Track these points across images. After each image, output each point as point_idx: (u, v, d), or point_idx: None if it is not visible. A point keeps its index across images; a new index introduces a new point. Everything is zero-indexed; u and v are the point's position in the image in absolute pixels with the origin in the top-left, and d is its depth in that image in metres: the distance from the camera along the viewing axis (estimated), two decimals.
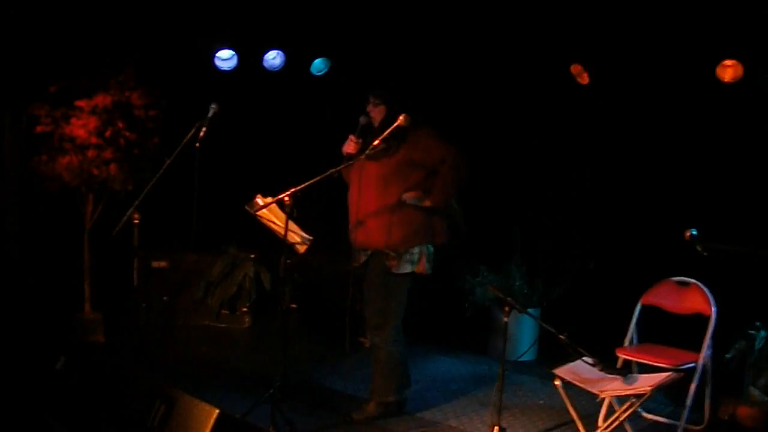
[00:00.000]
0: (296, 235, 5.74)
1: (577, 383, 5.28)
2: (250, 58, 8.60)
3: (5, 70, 7.66)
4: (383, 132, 5.64)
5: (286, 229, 5.48)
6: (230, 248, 8.41)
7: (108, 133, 7.27)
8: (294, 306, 8.36)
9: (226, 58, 8.59)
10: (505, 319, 5.54)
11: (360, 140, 5.80)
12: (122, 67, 7.38)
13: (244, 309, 8.39)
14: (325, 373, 7.11)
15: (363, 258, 5.95)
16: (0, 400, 5.88)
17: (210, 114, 5.97)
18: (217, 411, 4.51)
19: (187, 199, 7.68)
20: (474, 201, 6.51)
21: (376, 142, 5.54)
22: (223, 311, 8.38)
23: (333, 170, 5.49)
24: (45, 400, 5.83)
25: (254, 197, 5.71)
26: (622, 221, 7.77)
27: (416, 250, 5.80)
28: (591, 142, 7.93)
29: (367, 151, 5.55)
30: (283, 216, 5.59)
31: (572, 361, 5.46)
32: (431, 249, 5.89)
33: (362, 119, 5.86)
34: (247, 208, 5.64)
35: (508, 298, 5.53)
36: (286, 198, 5.40)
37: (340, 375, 7.00)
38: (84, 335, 7.59)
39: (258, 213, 5.61)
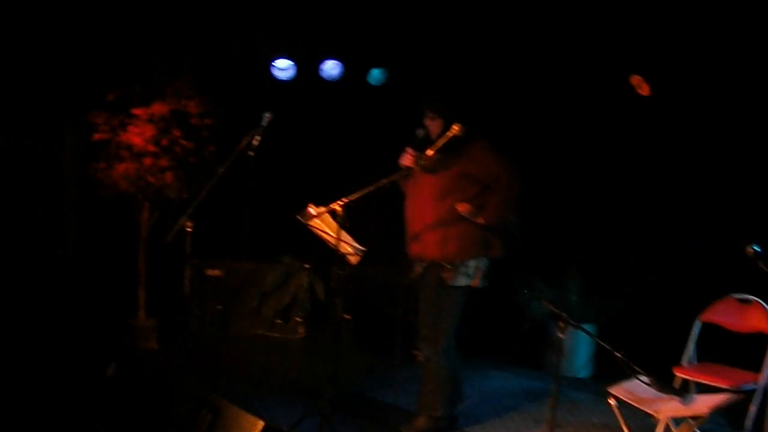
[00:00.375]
0: (349, 246, 5.65)
1: (633, 403, 5.10)
2: (308, 67, 8.56)
3: (67, 78, 7.73)
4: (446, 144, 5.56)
5: (338, 239, 5.39)
6: (285, 258, 8.36)
7: (164, 142, 7.26)
8: (348, 317, 8.28)
9: (284, 67, 8.57)
10: (560, 336, 5.36)
11: (417, 153, 5.70)
12: (179, 75, 7.39)
13: (298, 319, 8.33)
14: (376, 385, 6.98)
15: (419, 270, 5.84)
16: (51, 404, 5.90)
17: (263, 123, 5.91)
18: (263, 423, 4.45)
19: (242, 207, 7.66)
20: (531, 212, 6.37)
21: (429, 153, 5.45)
22: (277, 321, 8.33)
23: (385, 180, 5.38)
24: (95, 405, 5.82)
25: (306, 207, 5.66)
26: (684, 235, 7.53)
27: (472, 263, 5.68)
28: (652, 153, 7.72)
29: (420, 162, 5.46)
30: (335, 226, 5.51)
31: (628, 379, 5.27)
32: (487, 262, 5.76)
33: (419, 132, 5.75)
34: (298, 217, 5.57)
35: (563, 314, 5.37)
36: (338, 208, 5.31)
37: (391, 388, 6.86)
38: (137, 342, 7.59)
39: (310, 223, 5.53)
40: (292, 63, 8.54)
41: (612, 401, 5.19)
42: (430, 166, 5.61)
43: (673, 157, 7.59)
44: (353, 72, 8.63)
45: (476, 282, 5.72)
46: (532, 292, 7.52)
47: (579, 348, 7.48)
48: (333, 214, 5.36)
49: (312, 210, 5.61)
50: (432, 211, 5.66)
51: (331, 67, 8.63)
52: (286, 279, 8.20)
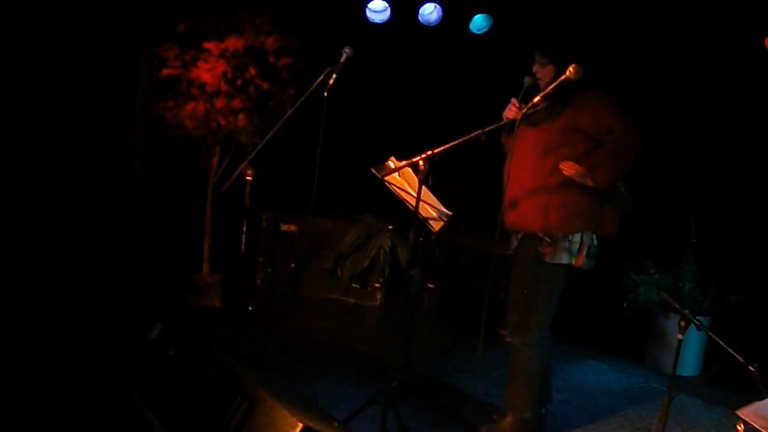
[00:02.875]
0: (431, 209, 4.52)
1: None
2: (404, 10, 7.33)
3: (143, 9, 6.70)
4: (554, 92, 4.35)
5: (419, 199, 4.22)
6: (366, 216, 7.20)
7: (239, 81, 6.17)
8: (432, 286, 7.14)
9: (378, 9, 7.37)
10: (680, 337, 4.17)
11: (523, 105, 4.49)
12: (260, 8, 6.25)
13: (377, 285, 7.17)
14: (455, 368, 5.86)
15: (515, 243, 4.65)
16: (91, 360, 4.98)
17: (342, 59, 4.80)
18: (301, 425, 3.37)
19: (323, 157, 6.71)
20: (643, 182, 5.11)
21: (536, 99, 4.20)
22: (353, 285, 7.19)
23: (480, 132, 4.17)
24: (133, 369, 4.87)
25: (387, 159, 4.53)
26: None
27: (577, 237, 4.45)
28: None
29: (524, 110, 4.21)
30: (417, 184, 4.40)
31: (760, 398, 4.01)
32: (595, 240, 4.52)
33: (527, 80, 4.50)
34: (374, 171, 4.45)
35: (686, 311, 4.16)
36: (421, 161, 4.14)
37: (471, 373, 5.73)
38: (199, 299, 6.59)
39: (386, 178, 4.39)
40: (388, 5, 7.33)
41: (741, 428, 3.93)
42: (534, 118, 4.40)
43: None
44: (453, 17, 7.36)
45: (580, 261, 4.49)
46: (640, 275, 6.23)
47: (687, 342, 6.18)
48: (415, 168, 4.19)
49: (392, 164, 4.49)
50: (531, 171, 4.45)
51: (429, 11, 7.39)
52: (367, 240, 7.03)
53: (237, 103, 6.20)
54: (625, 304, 6.27)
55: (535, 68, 4.51)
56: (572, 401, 5.44)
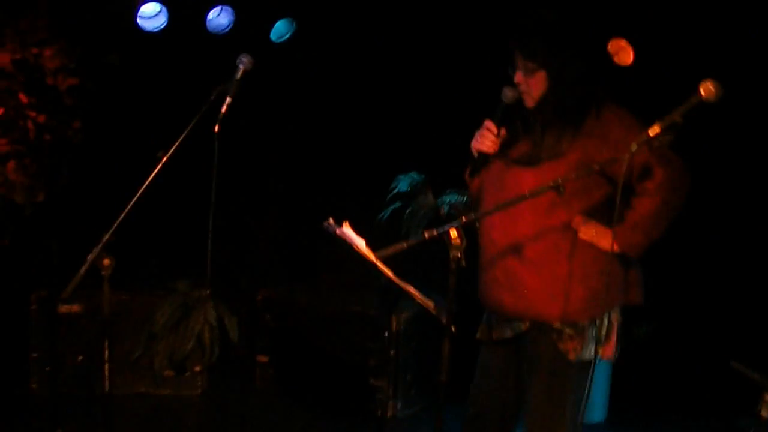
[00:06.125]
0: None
1: None
2: (186, 14, 5.45)
3: None
4: (556, 114, 2.89)
5: (452, 292, 2.55)
6: (180, 284, 5.16)
7: (2, 112, 4.03)
8: (264, 359, 5.37)
9: (150, 15, 5.42)
10: (764, 415, 2.93)
11: (503, 129, 2.96)
12: (26, 7, 4.13)
13: (196, 369, 5.19)
14: None
15: (509, 332, 3.03)
16: None
17: (238, 74, 3.01)
18: None
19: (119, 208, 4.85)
20: None
21: (657, 129, 2.49)
22: (166, 372, 5.15)
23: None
24: None
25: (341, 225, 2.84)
26: None
27: (605, 319, 2.94)
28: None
29: (657, 143, 2.51)
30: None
31: None
32: (620, 316, 3.03)
33: (508, 93, 2.94)
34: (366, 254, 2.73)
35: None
36: (454, 233, 2.48)
37: None
38: None
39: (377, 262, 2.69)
40: (163, 7, 5.41)
41: None
42: (529, 155, 2.91)
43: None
44: (248, 22, 5.60)
45: (609, 351, 3.00)
46: None
47: (594, 388, 5.08)
48: (446, 241, 2.50)
49: (349, 232, 2.81)
50: (533, 232, 2.88)
51: (216, 15, 5.56)
52: (185, 315, 5.02)
53: (3, 146, 4.04)
54: None
55: (518, 77, 2.92)
56: None
